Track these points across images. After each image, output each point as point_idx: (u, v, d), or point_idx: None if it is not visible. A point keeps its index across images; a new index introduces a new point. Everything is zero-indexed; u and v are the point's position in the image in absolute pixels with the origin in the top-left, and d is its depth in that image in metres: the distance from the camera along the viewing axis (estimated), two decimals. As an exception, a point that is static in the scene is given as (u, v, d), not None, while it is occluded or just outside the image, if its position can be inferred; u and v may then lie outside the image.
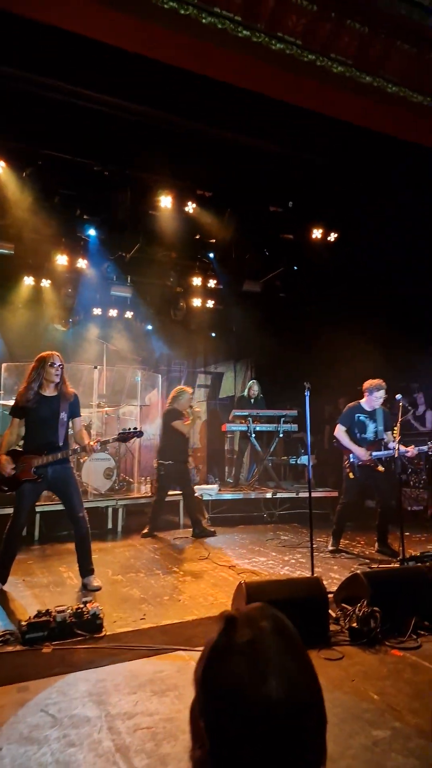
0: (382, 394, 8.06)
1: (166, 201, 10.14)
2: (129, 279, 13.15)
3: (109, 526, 10.12)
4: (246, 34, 5.32)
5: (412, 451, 7.70)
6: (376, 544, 8.13)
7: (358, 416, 8.18)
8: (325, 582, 5.24)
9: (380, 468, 8.01)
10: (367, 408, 8.18)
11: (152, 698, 3.69)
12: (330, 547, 8.16)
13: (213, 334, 15.08)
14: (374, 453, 7.99)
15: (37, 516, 9.29)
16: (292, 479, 13.35)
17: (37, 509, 9.19)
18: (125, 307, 13.89)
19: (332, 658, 4.37)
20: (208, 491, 10.83)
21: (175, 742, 3.16)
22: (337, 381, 12.07)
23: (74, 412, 6.51)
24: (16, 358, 12.15)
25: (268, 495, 10.97)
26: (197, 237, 11.62)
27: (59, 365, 6.31)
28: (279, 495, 10.98)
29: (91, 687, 3.87)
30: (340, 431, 8.14)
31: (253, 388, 12.48)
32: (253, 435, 11.62)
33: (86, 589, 6.26)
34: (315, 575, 6.00)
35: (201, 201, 10.51)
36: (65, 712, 3.53)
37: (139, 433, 7.17)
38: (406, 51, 5.91)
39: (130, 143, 8.82)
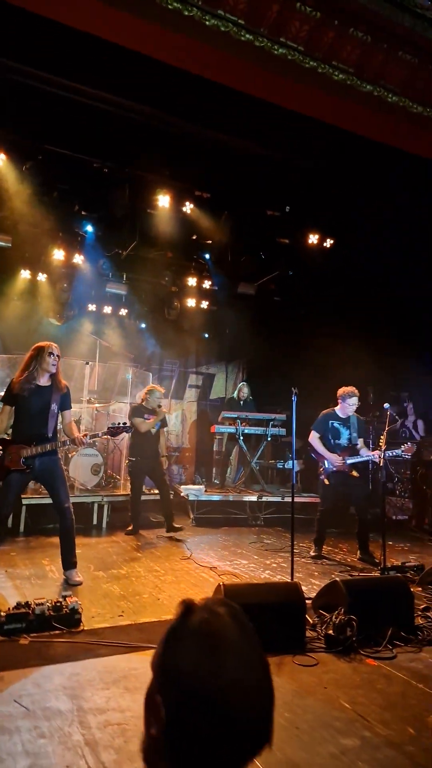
0: (355, 401, 8.18)
1: (164, 200, 10.14)
2: (124, 277, 13.15)
3: (94, 522, 10.14)
4: (249, 38, 5.33)
5: (379, 456, 7.81)
6: (358, 552, 8.16)
7: (332, 423, 8.29)
8: (305, 588, 5.28)
9: (354, 473, 8.11)
10: (341, 415, 8.28)
11: (125, 695, 3.71)
12: (312, 553, 8.19)
13: (206, 335, 15.09)
14: (348, 459, 8.06)
15: (23, 508, 9.30)
16: (278, 483, 13.36)
17: (24, 502, 9.21)
18: (120, 304, 13.89)
19: (306, 665, 4.40)
20: (193, 491, 10.85)
21: (145, 739, 3.16)
22: (327, 387, 12.06)
23: (65, 405, 6.53)
24: (8, 350, 12.17)
25: (254, 498, 10.99)
26: (194, 237, 11.64)
27: (57, 355, 6.35)
28: (264, 498, 11.00)
29: (65, 680, 3.89)
30: (314, 438, 8.25)
31: (243, 390, 12.48)
32: (241, 437, 11.64)
33: (67, 584, 6.28)
34: (294, 580, 6.00)
35: (199, 202, 10.53)
36: (38, 704, 3.54)
37: (128, 428, 7.23)
38: (408, 62, 5.93)
39: (130, 142, 8.84)
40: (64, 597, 5.11)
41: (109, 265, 12.10)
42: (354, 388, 8.21)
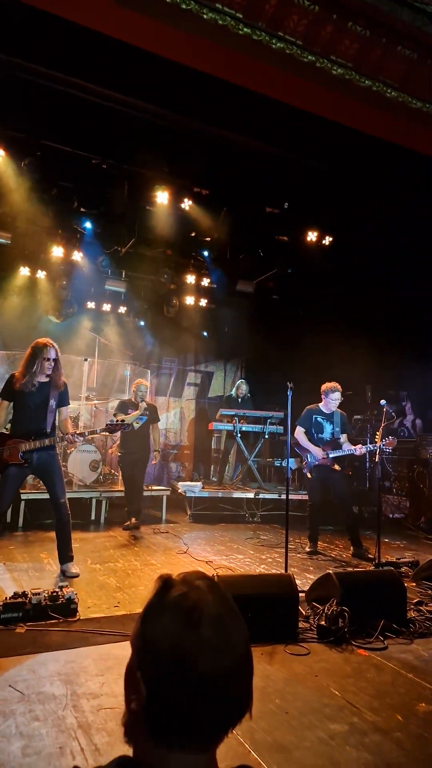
0: (337, 396, 8.31)
1: (162, 197, 10.14)
2: (123, 274, 13.17)
3: (92, 517, 10.16)
4: (246, 31, 5.37)
5: (359, 449, 8.09)
6: (351, 548, 8.19)
7: (316, 417, 8.42)
8: (299, 582, 5.30)
9: (336, 467, 8.21)
10: (325, 410, 8.41)
11: (118, 681, 3.70)
12: (307, 549, 8.22)
13: (205, 333, 15.09)
14: (330, 452, 8.16)
15: (22, 503, 9.35)
16: (276, 481, 13.40)
17: (23, 497, 9.28)
18: (119, 301, 13.88)
19: (298, 654, 4.42)
20: (191, 488, 10.86)
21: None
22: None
23: (63, 401, 6.57)
24: (8, 347, 12.18)
25: (251, 495, 11.01)
26: (192, 234, 11.64)
27: (54, 358, 6.36)
28: (262, 496, 11.02)
29: (60, 667, 3.91)
30: (299, 432, 8.37)
31: (242, 387, 12.49)
32: (239, 435, 11.65)
33: (64, 576, 6.30)
34: (288, 573, 6.02)
35: (197, 198, 10.53)
36: (33, 689, 3.57)
37: (126, 426, 7.25)
38: (407, 57, 5.95)
39: (129, 138, 8.85)
40: (61, 587, 5.14)
41: (108, 262, 12.10)
42: (337, 384, 8.36)
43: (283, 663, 4.23)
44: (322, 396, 8.38)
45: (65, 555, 6.42)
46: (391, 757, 3.03)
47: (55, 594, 4.95)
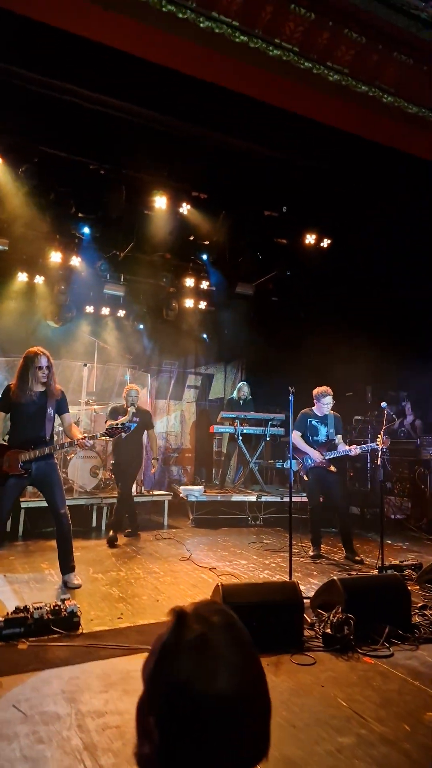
0: (329, 400, 8.43)
1: (161, 201, 10.13)
2: (122, 278, 13.15)
3: (93, 524, 10.15)
4: (243, 39, 5.34)
5: (354, 450, 8.21)
6: (344, 551, 8.20)
7: (310, 420, 8.52)
8: (303, 587, 5.28)
9: (332, 468, 8.31)
10: (318, 413, 8.51)
11: (123, 697, 3.71)
12: (311, 553, 8.21)
13: (204, 336, 15.09)
14: (327, 453, 8.27)
15: (22, 512, 9.31)
16: (278, 483, 13.38)
17: (22, 505, 9.23)
18: (118, 305, 13.88)
19: (304, 663, 4.41)
20: (193, 492, 10.85)
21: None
22: (326, 386, 12.09)
23: (62, 408, 6.54)
24: (6, 353, 12.17)
25: (253, 498, 11.00)
26: (191, 238, 11.63)
27: (47, 366, 6.31)
28: (264, 498, 11.01)
29: (64, 684, 3.89)
30: (296, 436, 8.40)
31: (243, 389, 12.47)
32: (240, 437, 11.63)
33: (66, 587, 6.28)
34: (293, 580, 6.00)
35: (196, 202, 10.53)
36: (36, 708, 3.55)
37: (127, 428, 7.21)
38: (403, 62, 5.93)
39: (126, 143, 8.84)
40: (63, 600, 5.10)
41: (106, 267, 12.08)
42: (327, 388, 8.48)
43: (289, 673, 4.22)
44: (314, 400, 8.51)
45: (67, 565, 6.40)
46: (400, 770, 3.03)
47: (57, 607, 4.92)
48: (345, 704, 3.74)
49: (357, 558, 7.93)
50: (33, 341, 6.73)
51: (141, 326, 14.48)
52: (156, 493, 11.34)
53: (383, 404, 7.64)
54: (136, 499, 10.13)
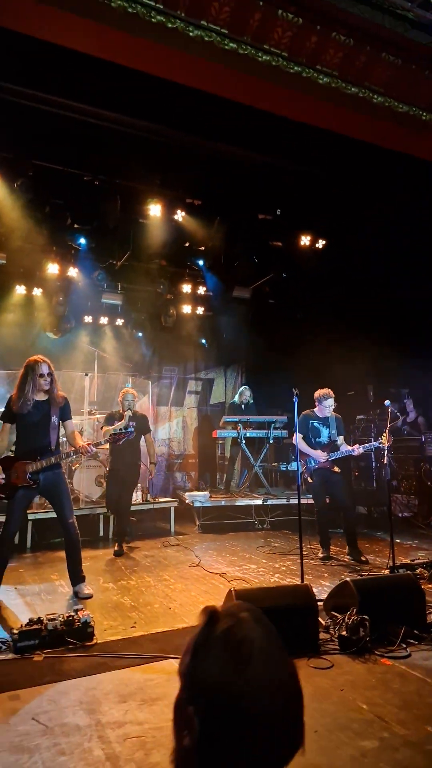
0: (330, 402, 8.43)
1: (155, 209, 10.19)
2: (119, 287, 13.21)
3: (101, 533, 10.15)
4: (233, 46, 5.38)
5: (357, 449, 8.21)
6: (347, 549, 8.20)
7: (312, 422, 8.55)
8: (315, 589, 5.27)
9: (336, 469, 8.33)
10: (320, 415, 8.53)
11: (142, 707, 3.72)
12: (320, 555, 8.21)
13: (203, 341, 15.10)
14: (330, 454, 8.31)
15: (29, 524, 9.33)
16: (283, 486, 13.37)
17: (30, 517, 9.23)
18: (116, 314, 13.92)
19: (321, 667, 4.38)
20: (198, 498, 10.85)
21: (165, 750, 3.17)
22: (327, 386, 12.09)
23: (65, 416, 6.54)
24: (7, 366, 12.18)
25: (259, 502, 11.00)
26: (187, 244, 11.69)
27: (48, 373, 6.32)
28: (270, 502, 11.00)
29: (81, 695, 3.90)
30: (299, 439, 8.30)
31: (245, 393, 12.46)
32: (244, 441, 11.63)
33: (77, 597, 6.29)
34: (305, 583, 6.01)
35: (190, 209, 10.59)
36: (56, 720, 3.55)
37: (131, 434, 7.21)
38: (391, 62, 5.97)
39: (120, 153, 8.90)
40: (76, 611, 5.11)
41: (103, 276, 12.11)
42: (329, 390, 8.47)
43: (307, 678, 4.21)
44: (316, 402, 8.52)
45: (77, 576, 6.40)
46: (424, 772, 3.03)
47: (70, 618, 4.93)
48: (365, 707, 3.73)
49: (362, 558, 7.92)
50: (33, 353, 6.68)
51: (140, 334, 14.52)
52: (161, 500, 11.36)
53: (387, 402, 7.65)
54: (142, 507, 10.15)
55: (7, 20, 5.22)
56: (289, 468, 12.68)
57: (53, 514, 6.68)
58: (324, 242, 11.59)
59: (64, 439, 7.03)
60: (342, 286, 11.98)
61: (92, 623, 5.00)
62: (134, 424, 8.72)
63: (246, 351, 15.44)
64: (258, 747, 1.06)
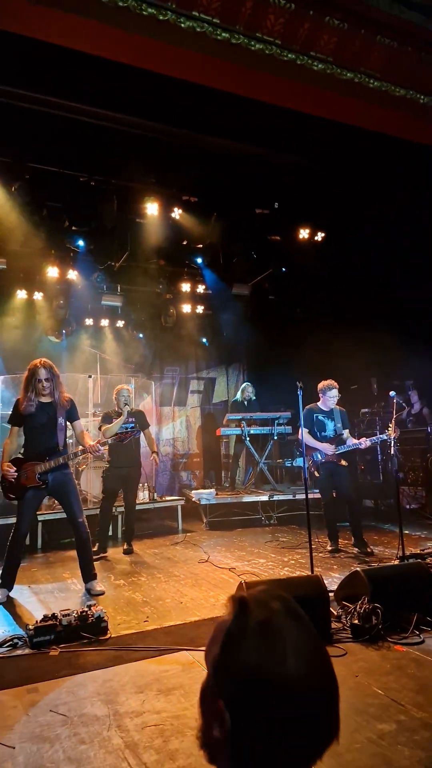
0: (334, 393, 8.34)
1: (152, 208, 10.18)
2: (119, 288, 13.20)
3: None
4: (225, 36, 5.36)
5: (364, 442, 8.10)
6: (353, 540, 8.17)
7: (317, 416, 8.45)
8: (326, 581, 5.26)
9: (343, 462, 8.26)
10: (324, 408, 8.44)
11: (159, 697, 3.71)
12: (329, 548, 8.19)
13: (204, 340, 15.08)
14: (338, 447, 8.25)
15: (39, 525, 9.36)
16: (288, 481, 13.35)
17: (39, 518, 9.27)
18: (116, 315, 13.92)
19: (335, 655, 4.37)
20: (205, 496, 10.83)
21: (183, 738, 3.19)
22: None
23: (72, 416, 6.58)
24: (11, 370, 12.18)
25: (265, 498, 10.97)
26: (184, 243, 11.68)
27: (48, 377, 6.32)
28: (276, 497, 10.97)
29: (98, 687, 3.90)
30: (305, 433, 8.30)
31: (247, 390, 12.42)
32: (248, 438, 11.60)
33: (90, 594, 6.31)
34: (315, 573, 5.99)
35: (187, 206, 10.58)
36: (75, 711, 3.56)
37: (136, 432, 7.23)
38: (387, 45, 5.95)
39: (114, 153, 8.88)
40: (89, 606, 5.12)
41: (103, 278, 12.12)
42: (333, 381, 8.38)
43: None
44: (320, 394, 8.41)
45: (88, 573, 6.42)
46: (445, 753, 3.01)
47: (84, 613, 4.94)
48: (381, 692, 3.72)
49: (368, 550, 7.87)
50: (36, 356, 6.67)
51: (141, 335, 14.49)
52: (168, 498, 11.35)
53: (392, 393, 7.63)
54: (149, 506, 10.13)
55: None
56: (294, 464, 12.66)
57: (63, 515, 6.70)
58: (323, 234, 11.56)
59: (71, 440, 7.04)
60: (341, 280, 11.95)
61: (106, 618, 5.02)
62: (133, 420, 8.74)
63: (247, 348, 15.44)
64: (294, 738, 1.04)
